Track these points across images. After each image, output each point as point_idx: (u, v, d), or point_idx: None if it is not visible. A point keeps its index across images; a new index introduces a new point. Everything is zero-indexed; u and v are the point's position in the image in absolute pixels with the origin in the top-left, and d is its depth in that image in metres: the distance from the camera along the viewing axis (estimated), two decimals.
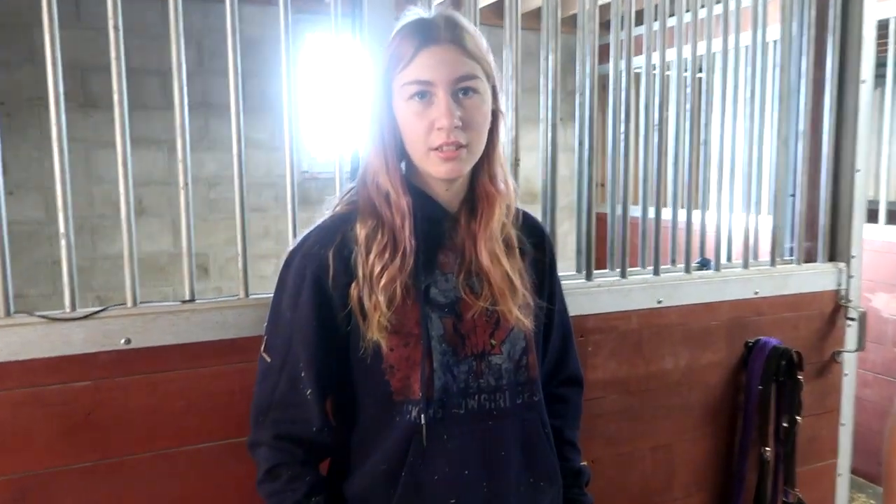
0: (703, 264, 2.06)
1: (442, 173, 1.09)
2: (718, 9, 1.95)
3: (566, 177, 4.74)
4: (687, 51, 1.90)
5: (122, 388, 1.37)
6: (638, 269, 1.96)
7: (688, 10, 1.88)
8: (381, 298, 1.08)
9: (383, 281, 1.08)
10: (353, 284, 1.10)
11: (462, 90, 1.08)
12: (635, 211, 1.91)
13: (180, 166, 1.41)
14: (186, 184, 1.46)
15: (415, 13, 1.12)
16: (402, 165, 1.15)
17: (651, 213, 1.92)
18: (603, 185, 4.46)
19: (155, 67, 4.10)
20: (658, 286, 1.87)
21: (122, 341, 1.36)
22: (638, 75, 1.95)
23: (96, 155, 4.07)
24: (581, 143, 1.82)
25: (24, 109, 3.78)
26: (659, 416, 1.92)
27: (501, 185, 1.16)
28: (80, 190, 4.13)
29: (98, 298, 4.19)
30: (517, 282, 1.16)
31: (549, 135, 1.73)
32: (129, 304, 1.39)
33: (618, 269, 1.88)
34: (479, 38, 1.13)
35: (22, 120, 3.71)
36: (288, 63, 1.45)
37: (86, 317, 1.34)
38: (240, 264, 1.50)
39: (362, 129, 1.50)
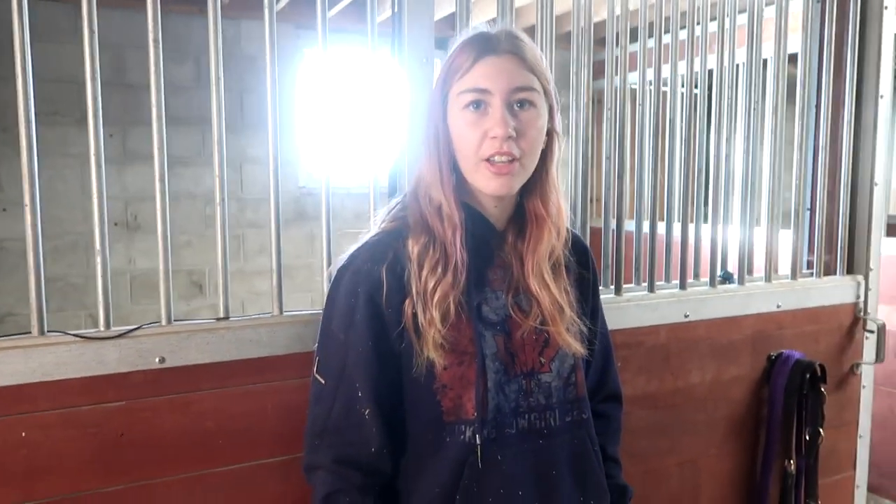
0: (726, 278, 2.06)
1: (492, 189, 1.08)
2: (740, 19, 1.96)
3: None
4: (711, 62, 1.91)
5: (155, 409, 1.33)
6: (663, 282, 1.95)
7: (713, 19, 1.89)
8: (436, 314, 1.06)
9: (437, 296, 1.06)
10: (407, 301, 1.08)
11: (518, 102, 1.06)
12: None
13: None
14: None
15: (475, 29, 1.12)
16: (454, 180, 1.13)
17: (676, 228, 1.91)
18: (600, 200, 4.48)
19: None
20: (685, 300, 1.86)
21: (157, 360, 1.32)
22: (663, 91, 1.97)
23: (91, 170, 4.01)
24: (609, 158, 1.82)
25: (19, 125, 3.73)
26: (685, 432, 1.91)
27: (553, 209, 1.14)
28: (75, 205, 4.07)
29: (90, 317, 4.10)
30: (566, 306, 1.16)
31: (581, 149, 1.72)
32: (164, 322, 1.35)
33: (644, 284, 1.87)
34: (539, 54, 1.12)
35: (17, 135, 3.65)
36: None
37: (120, 335, 1.30)
38: (273, 281, 1.46)
39: (405, 141, 1.49)
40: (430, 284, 1.07)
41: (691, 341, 1.88)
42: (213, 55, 1.37)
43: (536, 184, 1.14)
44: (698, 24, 1.87)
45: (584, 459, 1.18)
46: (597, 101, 4.56)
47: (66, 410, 1.26)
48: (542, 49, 1.66)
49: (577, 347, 1.16)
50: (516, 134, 1.05)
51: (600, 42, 1.81)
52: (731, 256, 2.08)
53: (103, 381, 1.29)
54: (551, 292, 1.13)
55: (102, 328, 1.31)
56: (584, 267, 1.27)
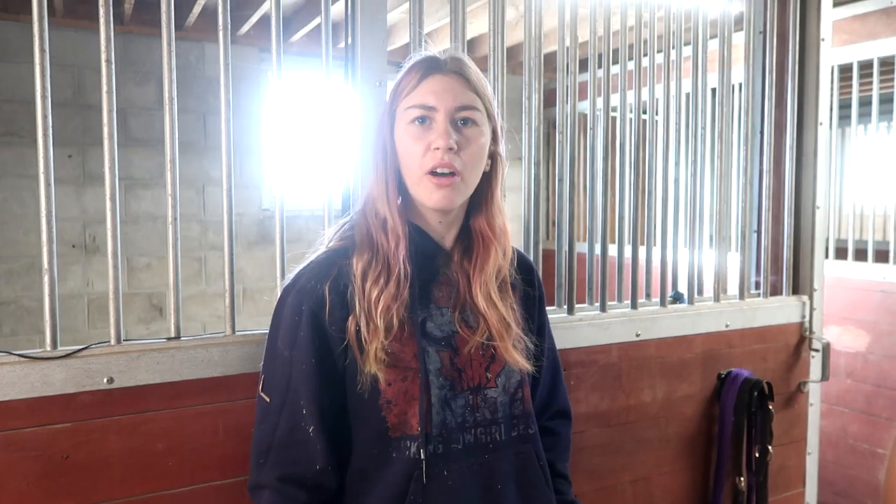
0: (676, 297, 2.11)
1: (434, 201, 1.11)
2: (686, 51, 2.05)
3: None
4: (658, 92, 1.98)
5: (102, 430, 1.32)
6: (615, 302, 1.99)
7: (660, 51, 1.97)
8: (380, 325, 1.08)
9: (380, 307, 1.08)
10: (351, 318, 1.10)
11: (462, 119, 1.11)
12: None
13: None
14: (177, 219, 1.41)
15: (423, 52, 1.17)
16: (400, 198, 1.16)
17: (626, 250, 1.97)
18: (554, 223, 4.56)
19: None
20: (637, 319, 1.91)
21: (105, 381, 1.31)
22: (612, 117, 2.05)
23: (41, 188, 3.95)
24: (561, 180, 1.87)
25: None
26: (639, 449, 1.94)
27: (499, 229, 1.19)
28: (31, 227, 3.99)
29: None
30: (513, 323, 1.18)
31: (532, 172, 1.77)
32: (113, 341, 1.34)
33: (597, 304, 1.91)
34: (483, 79, 1.17)
35: None
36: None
37: (67, 356, 1.29)
38: (226, 301, 1.46)
39: (358, 163, 1.52)
40: (374, 295, 1.09)
41: (643, 360, 1.92)
42: (166, 73, 1.38)
43: (482, 204, 1.19)
44: (645, 55, 1.94)
45: (530, 474, 1.20)
46: (550, 126, 4.66)
47: (9, 433, 1.24)
48: (493, 77, 1.71)
49: (523, 363, 1.18)
50: (457, 147, 1.09)
51: (552, 71, 1.87)
52: (682, 277, 2.13)
53: (49, 402, 1.27)
54: (498, 310, 1.16)
55: (49, 348, 1.30)
56: (529, 285, 1.30)
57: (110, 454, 1.32)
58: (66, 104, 4.02)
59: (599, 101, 1.91)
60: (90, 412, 1.30)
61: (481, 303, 1.15)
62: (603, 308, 1.89)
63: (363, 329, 1.09)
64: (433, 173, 1.09)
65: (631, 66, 1.93)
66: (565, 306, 1.85)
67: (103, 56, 1.32)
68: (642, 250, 2.00)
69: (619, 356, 1.88)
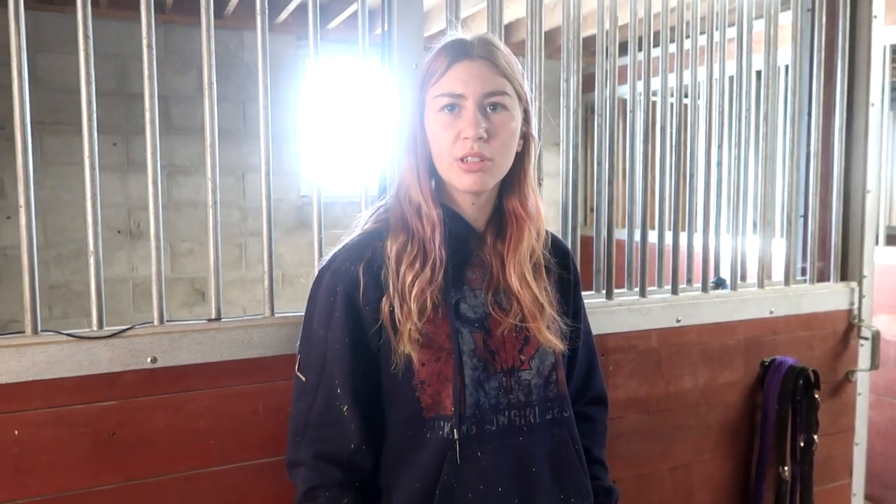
0: (719, 283, 2.07)
1: (466, 185, 1.10)
2: (731, 33, 1.99)
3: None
4: (700, 75, 1.93)
5: (147, 408, 1.35)
6: (655, 288, 1.96)
7: (702, 33, 1.92)
8: (413, 308, 1.08)
9: (415, 291, 1.09)
10: (385, 298, 1.11)
11: (491, 105, 1.10)
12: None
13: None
14: (213, 204, 1.44)
15: (452, 35, 1.15)
16: (433, 182, 1.17)
17: (667, 236, 1.93)
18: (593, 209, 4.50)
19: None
20: (677, 305, 1.87)
21: (149, 360, 1.34)
22: (653, 101, 2.01)
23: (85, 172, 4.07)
24: (600, 165, 1.84)
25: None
26: (678, 437, 1.91)
27: (532, 209, 1.17)
28: (79, 213, 4.10)
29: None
30: (546, 304, 1.17)
31: (571, 157, 1.74)
32: (156, 322, 1.37)
33: (636, 289, 1.89)
34: (513, 60, 1.15)
35: None
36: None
37: (113, 335, 1.32)
38: (265, 283, 1.48)
39: (395, 149, 1.52)
40: (409, 279, 1.09)
41: (683, 346, 1.89)
42: (205, 59, 1.40)
43: (515, 185, 1.17)
44: (687, 37, 1.89)
45: (565, 457, 1.19)
46: (589, 111, 4.60)
47: (59, 409, 1.28)
48: (531, 62, 1.69)
49: (557, 344, 1.17)
50: (487, 135, 1.08)
51: (591, 55, 1.84)
52: (724, 263, 2.09)
53: (95, 381, 1.31)
54: (532, 291, 1.15)
55: (95, 328, 1.33)
56: (564, 268, 1.29)
57: (155, 432, 1.35)
58: (111, 93, 4.11)
59: (639, 85, 1.87)
60: (135, 391, 1.34)
61: (515, 284, 1.15)
62: (642, 293, 1.86)
63: (397, 310, 1.09)
64: (463, 160, 1.09)
65: (672, 48, 1.88)
66: (604, 291, 1.83)
67: (144, 41, 1.34)
68: (683, 235, 1.96)
69: (658, 342, 1.86)
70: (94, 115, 1.31)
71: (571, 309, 1.30)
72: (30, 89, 1.27)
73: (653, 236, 1.93)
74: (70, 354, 1.29)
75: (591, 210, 4.43)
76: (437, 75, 1.11)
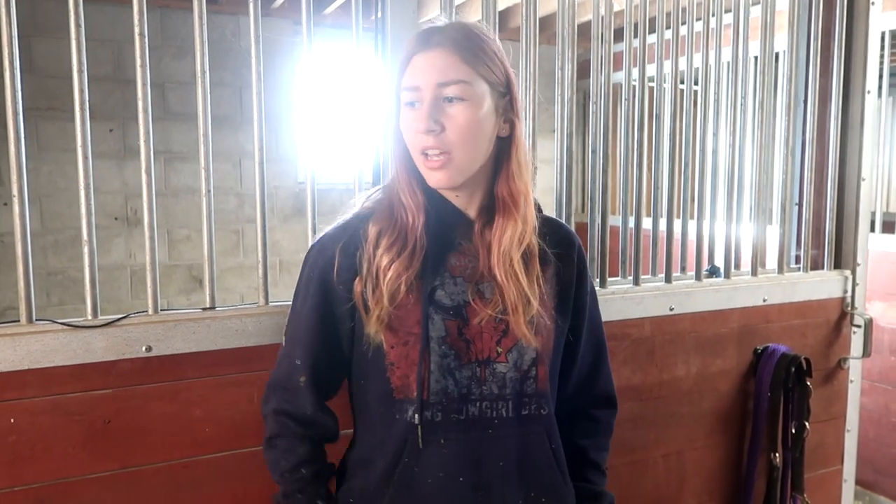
0: (713, 272, 2.07)
1: (433, 182, 1.10)
2: (727, 18, 1.98)
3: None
4: (696, 61, 1.92)
5: (142, 397, 1.36)
6: (648, 276, 1.97)
7: (698, 19, 1.91)
8: (385, 292, 1.09)
9: (389, 275, 1.09)
10: (357, 279, 1.12)
11: (447, 97, 1.06)
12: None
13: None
14: (210, 191, 1.44)
15: (431, 22, 1.13)
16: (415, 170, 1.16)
17: (661, 223, 1.93)
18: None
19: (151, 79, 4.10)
20: (671, 293, 1.88)
21: (143, 349, 1.35)
22: (647, 87, 2.00)
23: (95, 164, 4.06)
24: (594, 152, 1.84)
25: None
26: (671, 424, 1.93)
27: (520, 195, 1.13)
28: (75, 200, 4.10)
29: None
30: (532, 298, 1.13)
31: (565, 144, 1.74)
32: (151, 311, 1.38)
33: (629, 277, 1.89)
34: (483, 41, 1.10)
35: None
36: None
37: (107, 324, 1.33)
38: (259, 272, 1.49)
39: (387, 136, 1.51)
40: (384, 263, 1.09)
41: (676, 334, 1.90)
42: (198, 46, 1.40)
43: (502, 171, 1.14)
44: (683, 24, 1.89)
45: (535, 456, 1.16)
46: (585, 97, 4.58)
47: (54, 397, 1.29)
48: (525, 48, 1.68)
49: (532, 339, 1.13)
50: (440, 128, 1.05)
51: (586, 41, 1.83)
52: (718, 251, 2.09)
53: (91, 369, 1.32)
54: (518, 282, 1.11)
55: (90, 317, 1.34)
56: (566, 259, 1.23)
57: (150, 420, 1.37)
58: (107, 79, 4.09)
59: (635, 72, 1.86)
60: (130, 379, 1.35)
61: (500, 274, 1.11)
62: (636, 281, 1.87)
63: (368, 293, 1.10)
64: (425, 155, 1.08)
65: (668, 35, 1.87)
66: (597, 279, 1.84)
67: (136, 30, 1.34)
68: (677, 223, 1.96)
69: (652, 330, 1.86)
70: (87, 105, 1.31)
71: (575, 302, 1.24)
72: (25, 75, 1.27)
73: (647, 224, 1.94)
74: (65, 343, 1.29)
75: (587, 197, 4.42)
76: (401, 68, 1.10)
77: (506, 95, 1.12)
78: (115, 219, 4.29)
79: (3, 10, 1.23)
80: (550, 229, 1.22)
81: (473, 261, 1.14)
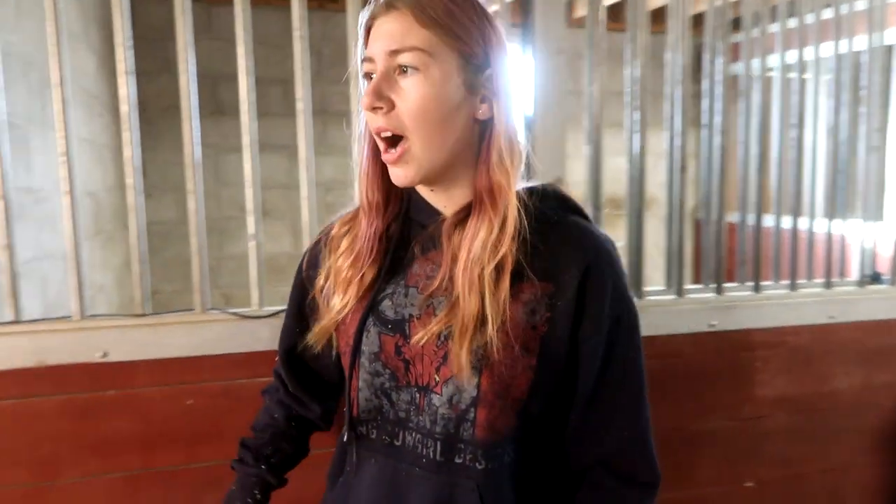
0: (874, 278, 1.92)
1: (393, 179, 0.91)
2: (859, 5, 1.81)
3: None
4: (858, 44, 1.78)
5: None
6: (804, 281, 1.85)
7: (828, 6, 1.77)
8: (336, 301, 0.98)
9: (339, 280, 0.99)
10: (318, 278, 1.04)
11: (399, 67, 0.86)
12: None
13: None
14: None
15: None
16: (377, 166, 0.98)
17: (817, 224, 1.81)
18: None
19: (278, 76, 4.26)
20: (830, 301, 1.76)
21: None
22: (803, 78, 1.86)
23: (224, 159, 4.29)
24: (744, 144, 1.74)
25: (161, 116, 4.04)
26: (830, 439, 1.80)
27: (497, 192, 0.89)
28: (208, 192, 4.34)
29: (224, 296, 4.39)
30: (492, 321, 0.86)
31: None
32: None
33: (784, 282, 1.79)
34: (455, 3, 0.88)
35: (159, 126, 3.96)
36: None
37: (273, 315, 1.39)
38: None
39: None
40: (336, 266, 1.00)
41: (837, 344, 1.78)
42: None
43: (482, 162, 0.92)
44: (812, 11, 1.75)
45: None
46: (729, 86, 4.37)
47: (226, 383, 1.37)
48: (676, 35, 1.61)
49: (463, 375, 0.88)
50: (389, 105, 0.86)
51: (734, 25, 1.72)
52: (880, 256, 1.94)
53: (258, 357, 1.38)
54: (480, 299, 0.87)
55: (256, 307, 1.40)
56: (560, 280, 0.90)
57: None
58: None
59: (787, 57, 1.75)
60: None
61: (460, 286, 0.88)
62: (793, 287, 1.76)
63: (318, 298, 1.03)
64: (384, 145, 0.90)
65: (792, 23, 1.75)
66: (751, 284, 1.74)
67: (297, 33, 1.38)
68: (836, 224, 1.83)
69: (809, 339, 1.75)
70: (255, 106, 1.36)
71: (566, 335, 0.91)
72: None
73: (792, 224, 1.81)
74: (234, 332, 1.37)
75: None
76: (363, 38, 0.92)
77: (484, 70, 0.89)
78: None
79: (179, 18, 1.30)
80: (560, 236, 0.93)
81: (437, 269, 0.93)
